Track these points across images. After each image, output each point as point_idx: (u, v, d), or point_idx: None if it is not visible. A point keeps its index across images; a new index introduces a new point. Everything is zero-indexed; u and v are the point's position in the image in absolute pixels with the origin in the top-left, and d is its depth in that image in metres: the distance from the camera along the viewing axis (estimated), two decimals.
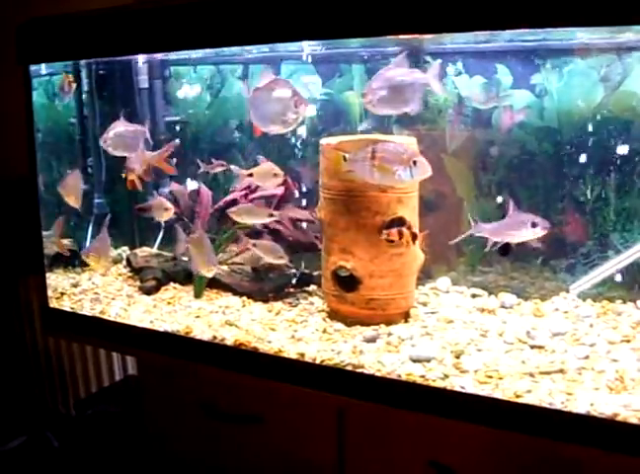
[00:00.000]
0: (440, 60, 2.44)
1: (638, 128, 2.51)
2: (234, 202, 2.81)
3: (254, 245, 2.68)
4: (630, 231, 2.55)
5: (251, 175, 2.64)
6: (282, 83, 2.38)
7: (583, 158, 2.56)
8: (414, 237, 2.41)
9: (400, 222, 2.44)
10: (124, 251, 3.41)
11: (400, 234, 2.41)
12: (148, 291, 2.95)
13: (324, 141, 2.53)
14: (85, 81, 3.29)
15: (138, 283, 3.03)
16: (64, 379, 4.08)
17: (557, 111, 2.61)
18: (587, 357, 2.19)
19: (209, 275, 2.67)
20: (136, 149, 2.74)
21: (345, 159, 2.31)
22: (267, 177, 2.63)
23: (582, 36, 2.45)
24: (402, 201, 2.45)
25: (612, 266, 2.56)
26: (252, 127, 2.88)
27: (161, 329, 2.61)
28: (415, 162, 2.22)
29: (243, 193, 2.82)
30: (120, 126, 2.73)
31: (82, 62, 3.21)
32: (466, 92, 2.71)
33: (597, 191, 2.57)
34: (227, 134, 3.18)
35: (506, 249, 2.34)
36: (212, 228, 2.85)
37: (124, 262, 3.27)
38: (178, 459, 2.79)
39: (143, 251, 3.23)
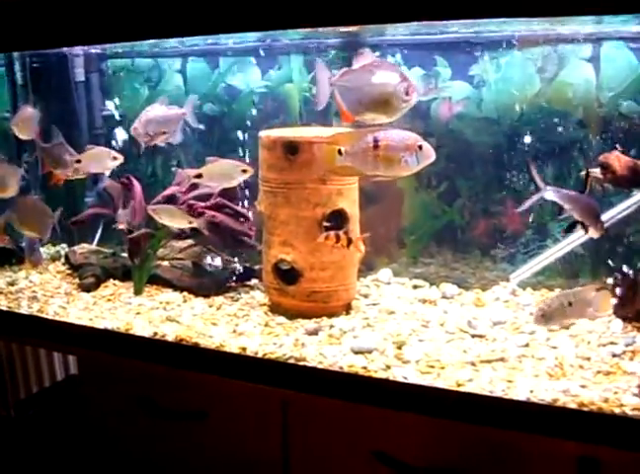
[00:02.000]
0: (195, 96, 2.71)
1: (575, 118, 2.55)
2: (172, 197, 2.78)
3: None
4: (568, 219, 2.57)
5: (199, 176, 2.56)
6: (387, 66, 2.20)
7: (521, 148, 2.59)
8: (349, 241, 2.38)
9: (340, 215, 2.45)
10: (63, 248, 3.36)
11: (337, 238, 2.38)
12: (87, 288, 2.90)
13: (263, 133, 2.52)
14: (19, 74, 3.23)
15: (77, 281, 2.98)
16: (3, 380, 3.99)
17: (495, 102, 2.63)
18: (527, 345, 2.21)
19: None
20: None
21: (340, 153, 2.18)
22: (225, 176, 2.55)
23: (519, 27, 2.48)
24: (342, 193, 2.45)
25: (551, 254, 2.60)
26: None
27: (101, 326, 2.56)
28: (420, 146, 2.11)
29: (184, 188, 2.79)
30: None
31: (16, 54, 3.15)
32: None
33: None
34: None
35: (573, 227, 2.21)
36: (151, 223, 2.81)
37: (63, 259, 3.21)
38: (122, 459, 2.75)
39: (82, 247, 3.16)
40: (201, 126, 2.81)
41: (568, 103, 2.54)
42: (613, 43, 2.48)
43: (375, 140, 2.11)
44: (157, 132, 2.56)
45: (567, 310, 2.01)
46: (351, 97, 2.17)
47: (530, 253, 2.64)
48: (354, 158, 2.15)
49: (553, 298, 2.05)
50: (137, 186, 2.84)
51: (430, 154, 2.12)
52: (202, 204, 2.74)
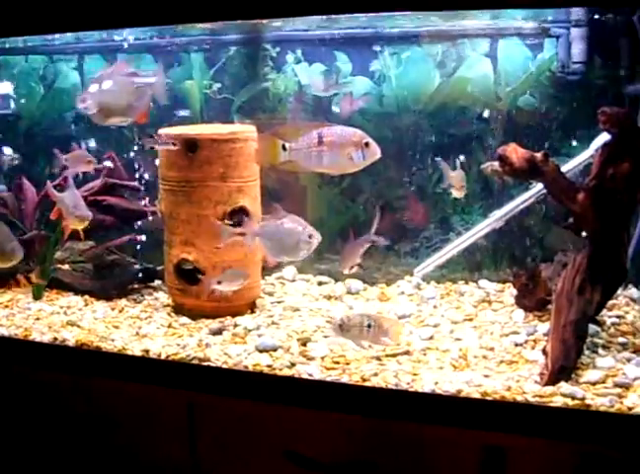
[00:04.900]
0: None
1: (473, 113, 2.58)
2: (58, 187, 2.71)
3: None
4: (470, 213, 2.61)
5: None
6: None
7: (422, 143, 2.61)
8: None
9: (242, 212, 2.42)
10: None
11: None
12: None
13: (162, 131, 2.47)
14: None
15: None
16: None
17: (396, 97, 2.64)
18: (431, 338, 2.23)
19: None
20: None
21: (284, 148, 2.09)
22: None
23: (419, 23, 2.50)
24: (243, 191, 2.43)
25: (454, 247, 2.62)
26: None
27: None
28: (367, 143, 2.06)
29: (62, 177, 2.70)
30: None
31: None
32: (306, 80, 2.71)
33: (436, 175, 2.61)
34: (64, 127, 3.06)
35: None
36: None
37: None
38: (31, 469, 2.66)
39: None
40: None
41: (467, 97, 2.57)
42: (511, 40, 2.53)
43: (320, 136, 2.05)
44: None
45: (364, 331, 2.05)
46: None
47: (434, 247, 2.66)
48: (298, 154, 2.08)
49: (356, 315, 2.08)
50: (29, 188, 2.75)
51: (376, 151, 2.07)
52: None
